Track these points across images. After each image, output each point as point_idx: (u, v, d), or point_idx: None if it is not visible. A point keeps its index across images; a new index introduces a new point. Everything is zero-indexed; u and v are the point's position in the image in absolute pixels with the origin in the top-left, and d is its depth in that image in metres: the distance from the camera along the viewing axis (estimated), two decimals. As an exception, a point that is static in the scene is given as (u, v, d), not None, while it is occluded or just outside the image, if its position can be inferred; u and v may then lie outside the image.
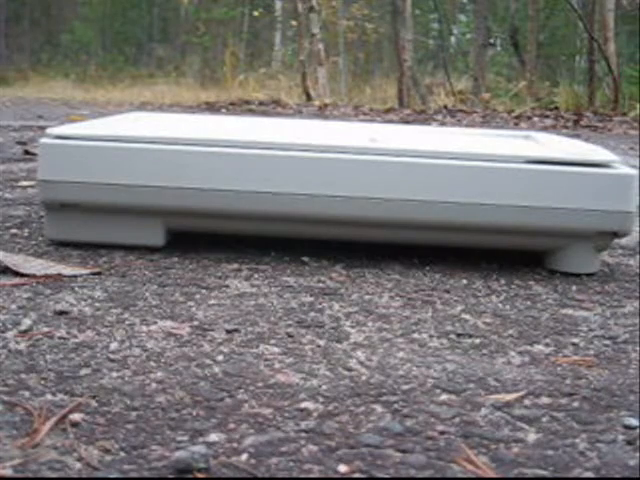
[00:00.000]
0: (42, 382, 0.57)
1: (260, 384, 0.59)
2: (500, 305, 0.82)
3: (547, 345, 0.70)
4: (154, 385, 0.58)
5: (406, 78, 5.20)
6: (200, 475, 0.45)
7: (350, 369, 0.62)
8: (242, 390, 0.57)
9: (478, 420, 0.54)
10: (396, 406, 0.56)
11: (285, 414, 0.54)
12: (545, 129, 3.32)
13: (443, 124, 3.60)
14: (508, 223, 0.92)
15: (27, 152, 1.93)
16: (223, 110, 4.38)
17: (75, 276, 0.85)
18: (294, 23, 6.89)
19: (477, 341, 0.70)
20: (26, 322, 0.70)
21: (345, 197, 0.92)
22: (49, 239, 0.98)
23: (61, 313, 0.73)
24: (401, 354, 0.66)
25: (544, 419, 0.54)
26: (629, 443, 0.51)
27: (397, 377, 0.61)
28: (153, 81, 8.85)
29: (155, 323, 0.72)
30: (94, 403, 0.54)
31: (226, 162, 0.93)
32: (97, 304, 0.76)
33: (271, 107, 4.58)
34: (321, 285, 0.86)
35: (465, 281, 0.90)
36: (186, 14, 12.38)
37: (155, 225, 0.96)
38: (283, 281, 0.87)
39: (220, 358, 0.64)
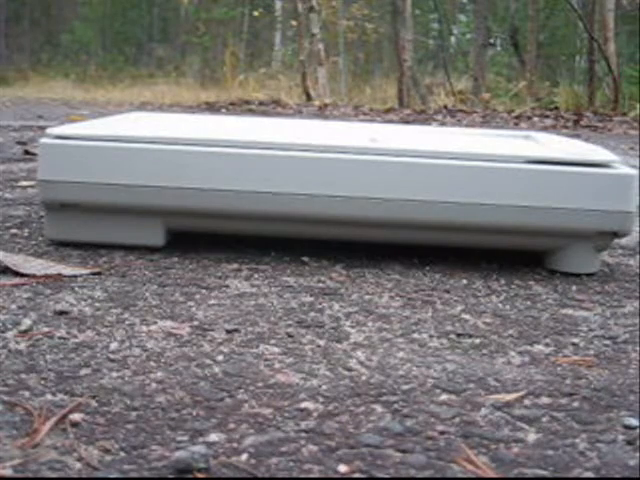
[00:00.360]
0: (42, 382, 0.57)
1: (260, 384, 0.59)
2: (500, 305, 0.82)
3: (547, 345, 0.70)
4: (154, 385, 0.58)
5: (406, 78, 5.20)
6: (200, 475, 0.45)
7: (350, 369, 0.62)
8: (242, 390, 0.57)
9: (478, 420, 0.54)
10: (396, 406, 0.56)
11: (285, 414, 0.54)
12: (545, 129, 3.32)
13: (443, 124, 3.60)
14: (508, 223, 0.92)
15: (27, 152, 1.93)
16: (223, 110, 4.38)
17: (75, 276, 0.85)
18: (294, 23, 6.90)
19: (477, 341, 0.70)
20: (26, 322, 0.69)
21: (345, 197, 0.92)
22: (49, 239, 0.98)
23: (61, 313, 0.73)
24: (401, 354, 0.66)
25: (544, 419, 0.54)
26: (629, 443, 0.51)
27: (397, 377, 0.61)
28: (153, 81, 8.85)
29: (155, 323, 0.72)
30: (94, 403, 0.54)
31: (226, 162, 0.93)
32: (97, 304, 0.76)
33: (271, 107, 4.59)
34: (321, 285, 0.86)
35: (465, 281, 0.90)
36: (186, 14, 12.38)
37: (155, 225, 0.96)
38: (283, 281, 0.87)
39: (220, 358, 0.64)
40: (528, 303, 0.83)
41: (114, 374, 0.59)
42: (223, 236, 1.01)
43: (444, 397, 0.58)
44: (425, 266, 0.95)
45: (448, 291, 0.86)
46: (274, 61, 10.05)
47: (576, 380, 0.62)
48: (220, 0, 11.64)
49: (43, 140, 0.95)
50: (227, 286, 0.84)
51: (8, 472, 0.44)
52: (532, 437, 0.52)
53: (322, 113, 4.23)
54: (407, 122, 3.70)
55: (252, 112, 4.22)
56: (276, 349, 0.66)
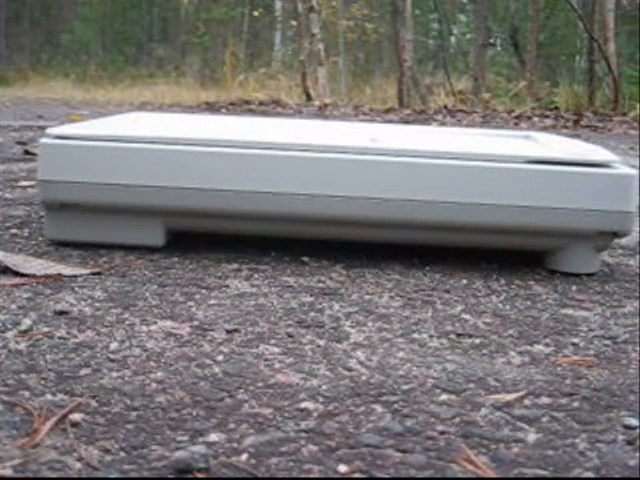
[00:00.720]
0: (42, 382, 0.57)
1: (260, 384, 0.59)
2: (500, 305, 0.82)
3: (547, 345, 0.70)
4: (154, 385, 0.58)
5: (406, 78, 5.20)
6: (200, 475, 0.45)
7: (350, 369, 0.62)
8: (242, 390, 0.57)
9: (478, 420, 0.54)
10: (396, 406, 0.56)
11: (285, 414, 0.54)
12: (545, 129, 3.32)
13: (443, 124, 3.60)
14: (508, 223, 0.92)
15: (27, 152, 1.93)
16: (223, 110, 4.38)
17: (75, 276, 0.85)
18: (294, 23, 6.89)
19: (477, 341, 0.70)
20: (26, 322, 0.69)
21: (345, 197, 0.92)
22: (49, 239, 0.98)
23: (61, 313, 0.73)
24: (401, 354, 0.66)
25: (544, 419, 0.54)
26: (629, 443, 0.51)
27: (397, 377, 0.61)
28: (153, 81, 8.85)
29: (155, 323, 0.72)
30: (94, 403, 0.54)
31: (226, 162, 0.93)
32: (97, 304, 0.76)
33: (271, 107, 4.58)
34: (321, 285, 0.86)
35: (465, 281, 0.90)
36: (186, 14, 12.38)
37: (155, 225, 0.96)
38: (283, 281, 0.87)
39: (220, 358, 0.64)
40: (528, 303, 0.83)
41: (114, 374, 0.59)
42: (223, 236, 1.01)
43: (444, 397, 0.58)
44: (425, 266, 0.95)
45: (448, 291, 0.86)
46: (274, 61, 10.05)
47: (576, 380, 0.62)
48: (220, 0, 11.64)
49: (43, 140, 0.95)
50: (227, 286, 0.84)
51: (8, 472, 0.44)
52: (532, 437, 0.52)
53: (322, 113, 4.23)
54: (407, 122, 3.70)
55: (252, 112, 4.22)
56: (276, 349, 0.66)
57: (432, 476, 0.46)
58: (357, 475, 0.46)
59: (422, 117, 4.00)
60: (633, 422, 0.54)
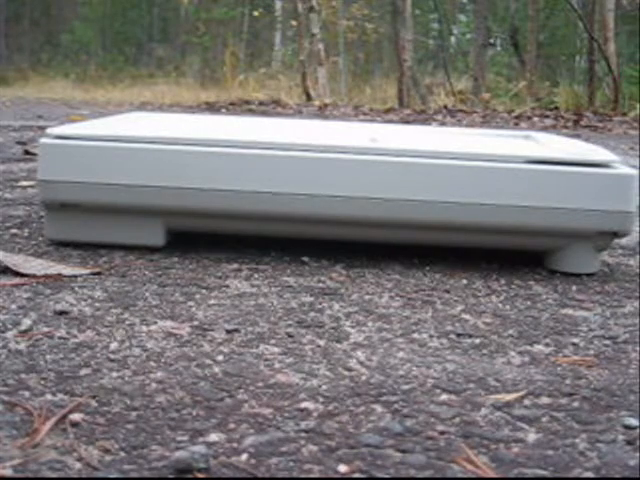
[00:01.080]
0: (42, 382, 0.57)
1: (260, 384, 0.59)
2: (500, 305, 0.82)
3: (547, 345, 0.70)
4: (154, 385, 0.58)
5: (406, 78, 5.20)
6: (200, 475, 0.45)
7: (350, 369, 0.62)
8: (242, 390, 0.57)
9: (478, 420, 0.54)
10: (396, 406, 0.56)
11: (285, 414, 0.54)
12: (545, 129, 3.32)
13: (443, 124, 3.60)
14: (508, 223, 0.92)
15: (27, 152, 1.93)
16: (223, 110, 4.38)
17: (75, 276, 0.85)
18: (294, 23, 6.89)
19: (477, 341, 0.70)
20: (26, 322, 0.70)
21: (345, 197, 0.92)
22: (49, 239, 0.98)
23: (61, 313, 0.73)
24: (401, 354, 0.66)
25: (544, 419, 0.54)
26: (629, 443, 0.51)
27: (397, 377, 0.61)
28: (153, 81, 8.85)
29: (155, 323, 0.72)
30: (94, 403, 0.54)
31: (226, 162, 0.93)
32: (97, 304, 0.76)
33: (271, 107, 4.58)
34: (321, 285, 0.86)
35: (465, 281, 0.90)
36: (186, 14, 12.38)
37: (155, 225, 0.96)
38: (283, 281, 0.87)
39: (220, 358, 0.64)
40: (528, 303, 0.83)
41: (114, 374, 0.59)
42: (223, 236, 1.01)
43: (444, 397, 0.58)
44: (425, 266, 0.95)
45: (448, 291, 0.86)
46: (274, 61, 10.05)
47: (576, 380, 0.62)
48: (220, 0, 11.64)
49: (43, 140, 0.95)
50: (227, 286, 0.84)
51: (8, 472, 0.44)
52: (532, 437, 0.52)
53: (322, 113, 4.23)
54: (407, 122, 3.70)
55: (252, 112, 4.22)
56: (276, 349, 0.66)
57: (432, 476, 0.46)
58: (357, 475, 0.46)
59: (422, 117, 4.00)
60: (633, 422, 0.54)
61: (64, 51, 12.99)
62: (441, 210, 0.92)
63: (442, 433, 0.52)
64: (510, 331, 0.74)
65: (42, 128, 2.58)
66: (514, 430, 0.53)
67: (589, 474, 0.47)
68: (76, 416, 0.52)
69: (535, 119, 3.93)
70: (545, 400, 0.58)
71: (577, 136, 2.79)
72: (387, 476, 0.46)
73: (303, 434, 0.51)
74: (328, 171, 0.92)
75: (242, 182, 0.92)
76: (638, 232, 1.19)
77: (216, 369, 0.61)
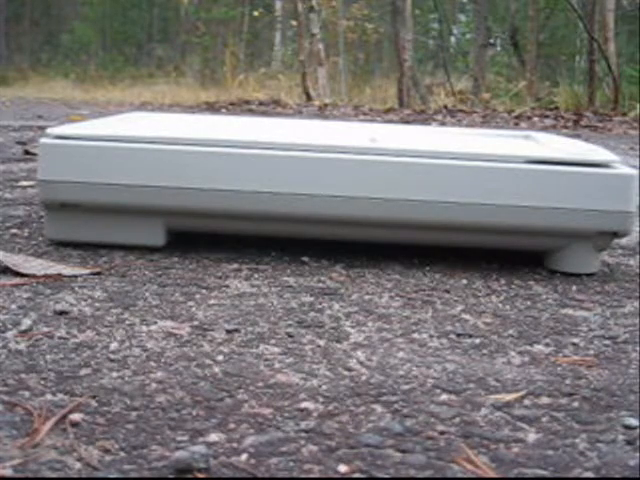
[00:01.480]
0: (42, 382, 0.57)
1: (260, 384, 0.59)
2: (500, 305, 0.82)
3: (547, 345, 0.70)
4: (154, 385, 0.58)
5: (406, 78, 5.20)
6: (200, 475, 0.45)
7: (350, 369, 0.62)
8: (242, 390, 0.57)
9: (478, 420, 0.54)
10: (396, 406, 0.56)
11: (285, 414, 0.54)
12: (545, 129, 3.32)
13: (443, 124, 3.60)
14: (508, 223, 0.92)
15: (27, 152, 1.93)
16: (223, 110, 4.38)
17: (75, 276, 0.85)
18: (294, 23, 6.89)
19: (477, 341, 0.70)
20: (26, 322, 0.70)
21: (345, 197, 0.92)
22: (49, 239, 0.98)
23: (61, 313, 0.73)
24: (401, 354, 0.66)
25: (544, 419, 0.54)
26: (629, 443, 0.51)
27: (397, 377, 0.61)
28: (153, 81, 8.84)
29: (155, 323, 0.72)
30: (94, 403, 0.54)
31: (226, 162, 0.93)
32: (97, 304, 0.76)
33: (271, 107, 4.58)
34: (321, 285, 0.86)
35: (465, 281, 0.90)
36: (186, 14, 12.38)
37: (155, 225, 0.96)
38: (283, 281, 0.87)
39: (220, 358, 0.64)
40: (528, 303, 0.83)
41: (114, 374, 0.59)
42: (223, 236, 1.01)
43: (444, 397, 0.58)
44: (425, 266, 0.95)
45: (448, 291, 0.86)
46: (274, 61, 10.05)
47: (576, 380, 0.62)
48: (220, 0, 11.64)
49: (43, 140, 0.95)
50: (227, 286, 0.84)
51: (8, 472, 0.44)
52: (532, 437, 0.52)
53: (322, 113, 4.23)
54: (407, 122, 3.70)
55: (252, 112, 4.22)
56: (276, 349, 0.66)
57: (432, 476, 0.46)
58: (357, 475, 0.46)
59: (422, 117, 4.00)
60: (633, 422, 0.54)
61: (64, 51, 12.99)
62: (441, 210, 0.92)
63: (442, 433, 0.52)
64: (510, 331, 0.74)
65: (42, 128, 2.58)
66: (514, 430, 0.53)
67: (589, 474, 0.47)
68: (76, 416, 0.52)
69: (535, 119, 3.93)
70: (545, 400, 0.58)
71: (577, 136, 2.79)
72: (387, 476, 0.46)
73: (303, 434, 0.51)
74: (328, 171, 0.92)
75: (242, 182, 0.92)
76: (638, 232, 1.19)
77: (216, 369, 0.61)
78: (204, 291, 0.82)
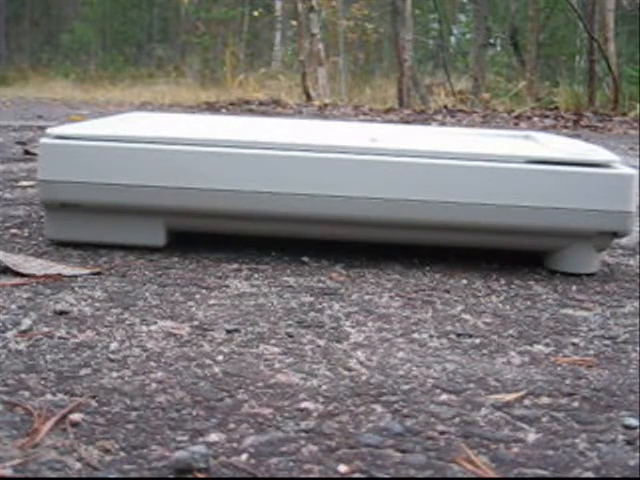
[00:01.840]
0: (42, 382, 0.57)
1: (260, 384, 0.59)
2: (500, 305, 0.82)
3: (547, 345, 0.70)
4: (154, 385, 0.58)
5: (406, 78, 5.20)
6: (200, 475, 0.45)
7: (350, 369, 0.62)
8: (242, 390, 0.57)
9: (478, 420, 0.54)
10: (396, 406, 0.56)
11: (285, 414, 0.54)
12: (545, 129, 3.32)
13: (443, 124, 3.60)
14: (508, 223, 0.92)
15: (27, 152, 1.93)
16: (223, 110, 4.38)
17: (75, 276, 0.85)
18: (294, 23, 6.89)
19: (477, 341, 0.70)
20: (26, 322, 0.70)
21: (345, 197, 0.92)
22: (49, 239, 0.98)
23: (61, 313, 0.73)
24: (401, 354, 0.66)
25: (544, 419, 0.54)
26: (629, 443, 0.51)
27: (397, 377, 0.61)
28: (153, 81, 8.84)
29: (155, 323, 0.72)
30: (94, 403, 0.54)
31: (226, 162, 0.93)
32: (97, 304, 0.76)
33: (271, 107, 4.58)
34: (321, 285, 0.86)
35: (465, 281, 0.90)
36: (186, 14, 12.37)
37: (155, 225, 0.96)
38: (283, 281, 0.87)
39: (220, 358, 0.64)
40: (528, 303, 0.83)
41: (114, 374, 0.59)
42: (223, 236, 1.01)
43: (444, 397, 0.58)
44: (425, 266, 0.95)
45: (448, 291, 0.86)
46: (274, 61, 10.04)
47: (576, 380, 0.62)
48: (220, 0, 11.64)
49: (43, 140, 0.95)
50: (227, 286, 0.84)
51: (8, 472, 0.44)
52: (532, 437, 0.52)
53: (322, 113, 4.23)
54: (407, 122, 3.70)
55: (252, 112, 4.22)
56: (276, 349, 0.66)
57: (432, 476, 0.46)
58: (357, 475, 0.46)
59: (422, 117, 4.00)
60: (633, 422, 0.54)
61: (64, 51, 12.99)
62: (441, 210, 0.92)
63: (442, 433, 0.52)
64: (510, 331, 0.74)
65: (42, 128, 2.58)
66: (514, 430, 0.53)
67: (589, 474, 0.47)
68: (76, 416, 0.52)
69: (535, 119, 3.93)
70: (545, 400, 0.58)
71: (577, 136, 2.79)
72: (387, 476, 0.46)
73: (303, 434, 0.51)
74: (328, 171, 0.92)
75: (242, 182, 0.92)
76: (638, 232, 1.19)
77: (216, 369, 0.61)
78: (204, 291, 0.82)
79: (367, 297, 0.82)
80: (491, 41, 8.35)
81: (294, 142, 0.94)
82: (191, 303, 0.78)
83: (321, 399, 0.56)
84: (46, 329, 0.69)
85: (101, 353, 0.64)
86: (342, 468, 0.47)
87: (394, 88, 5.62)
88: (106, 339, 0.67)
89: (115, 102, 5.08)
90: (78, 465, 0.46)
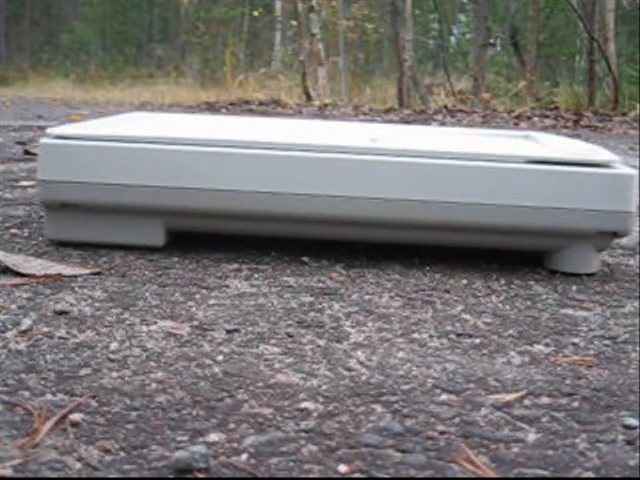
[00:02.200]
0: (42, 382, 0.57)
1: (260, 384, 0.59)
2: (500, 305, 0.82)
3: (547, 345, 0.70)
4: (154, 385, 0.58)
5: (406, 78, 5.20)
6: (200, 475, 0.45)
7: (350, 369, 0.62)
8: (242, 390, 0.57)
9: (478, 420, 0.54)
10: (396, 406, 0.56)
11: (285, 414, 0.54)
12: (545, 129, 3.32)
13: (443, 124, 3.60)
14: (508, 223, 0.92)
15: (27, 152, 1.93)
16: (223, 110, 4.38)
17: (75, 276, 0.85)
18: (294, 23, 6.89)
19: (477, 341, 0.70)
20: (26, 322, 0.70)
21: (345, 197, 0.92)
22: (49, 239, 0.98)
23: (61, 313, 0.73)
24: (401, 354, 0.66)
25: (544, 419, 0.54)
26: (629, 443, 0.51)
27: (397, 377, 0.61)
28: (153, 81, 8.84)
29: (155, 323, 0.72)
30: (94, 403, 0.54)
31: (226, 162, 0.93)
32: (97, 304, 0.76)
33: (271, 107, 4.58)
34: (321, 285, 0.86)
35: (465, 281, 0.90)
36: (186, 14, 12.38)
37: (155, 225, 0.96)
38: (283, 281, 0.87)
39: (220, 358, 0.64)
40: (528, 303, 0.83)
41: (114, 374, 0.59)
42: (223, 236, 1.01)
43: (444, 397, 0.58)
44: (425, 266, 0.95)
45: (448, 291, 0.86)
46: (274, 61, 10.04)
47: (576, 380, 0.62)
48: (220, 0, 11.64)
49: (43, 140, 0.95)
50: (227, 286, 0.84)
51: (8, 472, 0.44)
52: (532, 437, 0.52)
53: (322, 113, 4.23)
54: (407, 122, 3.70)
55: (252, 112, 4.22)
56: (276, 349, 0.66)
57: (432, 476, 0.46)
58: (357, 475, 0.46)
59: (422, 117, 4.00)
60: (633, 422, 0.54)
61: (64, 51, 12.99)
62: (441, 210, 0.92)
63: (442, 433, 0.52)
64: (510, 331, 0.74)
65: (42, 128, 2.58)
66: (514, 430, 0.53)
67: (589, 474, 0.47)
68: (76, 416, 0.52)
69: (535, 119, 3.93)
70: (545, 400, 0.58)
71: (577, 136, 2.79)
72: (387, 476, 0.46)
73: (303, 434, 0.51)
74: (328, 171, 0.92)
75: (242, 182, 0.92)
76: (638, 232, 1.19)
77: (216, 369, 0.61)
78: (204, 291, 0.82)
79: (367, 297, 0.82)
80: (491, 41, 8.35)
81: (294, 142, 0.94)
82: (191, 303, 0.78)
83: (321, 399, 0.56)
84: (46, 329, 0.69)
85: (101, 353, 0.64)
86: (342, 468, 0.47)
87: (394, 88, 5.62)
88: (106, 339, 0.67)
89: (115, 102, 5.08)
90: (78, 465, 0.46)
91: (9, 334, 0.67)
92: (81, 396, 0.55)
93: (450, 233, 0.94)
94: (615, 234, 0.93)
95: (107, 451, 0.47)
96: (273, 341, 0.68)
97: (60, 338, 0.67)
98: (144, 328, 0.70)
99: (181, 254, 0.96)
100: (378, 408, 0.55)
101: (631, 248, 1.11)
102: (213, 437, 0.50)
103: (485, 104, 4.81)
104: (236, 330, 0.70)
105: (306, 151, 0.93)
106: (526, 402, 0.57)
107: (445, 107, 4.55)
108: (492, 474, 0.47)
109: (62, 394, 0.55)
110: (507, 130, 1.68)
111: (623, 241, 1.14)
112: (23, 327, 0.68)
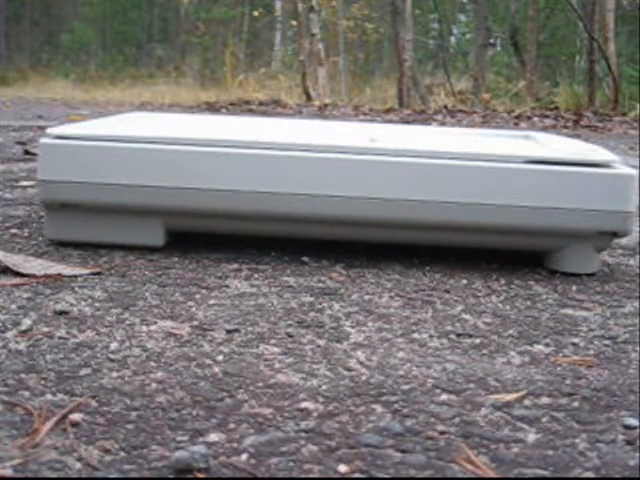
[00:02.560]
0: (42, 382, 0.57)
1: (260, 384, 0.59)
2: (500, 305, 0.82)
3: (547, 345, 0.70)
4: (154, 385, 0.58)
5: (406, 78, 5.20)
6: (200, 475, 0.45)
7: (350, 369, 0.62)
8: (242, 390, 0.57)
9: (478, 420, 0.54)
10: (396, 406, 0.56)
11: (285, 414, 0.54)
12: (545, 129, 3.32)
13: (443, 124, 3.60)
14: (508, 223, 0.92)
15: (27, 152, 1.93)
16: (223, 110, 4.38)
17: (75, 276, 0.85)
18: (294, 23, 6.89)
19: (477, 341, 0.70)
20: (26, 322, 0.70)
21: (345, 197, 0.92)
22: (49, 239, 0.98)
23: (61, 313, 0.73)
24: (401, 354, 0.66)
25: (544, 419, 0.54)
26: (629, 443, 0.51)
27: (397, 377, 0.61)
28: (153, 81, 8.84)
29: (155, 323, 0.72)
30: (94, 403, 0.54)
31: (226, 162, 0.93)
32: (97, 304, 0.76)
33: (271, 107, 4.58)
34: (321, 285, 0.86)
35: (465, 281, 0.90)
36: (186, 14, 12.38)
37: (155, 225, 0.96)
38: (283, 281, 0.87)
39: (220, 358, 0.64)
40: (528, 303, 0.83)
41: (114, 374, 0.59)
42: (223, 236, 1.01)
43: (444, 397, 0.58)
44: (425, 266, 0.95)
45: (448, 291, 0.86)
46: (274, 61, 10.04)
47: (576, 380, 0.62)
48: (220, 0, 11.64)
49: (43, 140, 0.95)
50: (227, 286, 0.84)
51: (8, 472, 0.44)
52: (532, 437, 0.52)
53: (322, 113, 4.23)
54: (407, 122, 3.70)
55: (252, 112, 4.22)
56: (276, 349, 0.66)
57: (432, 476, 0.46)
58: (357, 475, 0.46)
59: (422, 117, 4.00)
60: (633, 422, 0.54)
61: (64, 51, 12.99)
62: (441, 210, 0.92)
63: (442, 433, 0.52)
64: (510, 331, 0.74)
65: (42, 128, 2.58)
66: (514, 430, 0.53)
67: (589, 474, 0.47)
68: (76, 416, 0.52)
69: (535, 119, 3.93)
70: (545, 400, 0.58)
71: (577, 136, 2.79)
72: (387, 476, 0.46)
73: (303, 434, 0.51)
74: (328, 171, 0.92)
75: (242, 182, 0.92)
76: (638, 232, 1.19)
77: (216, 369, 0.61)
78: (204, 291, 0.82)
79: (367, 297, 0.82)
80: (491, 41, 8.35)
81: (294, 142, 0.94)
82: (191, 303, 0.78)
83: (321, 399, 0.56)
84: (46, 329, 0.69)
85: (101, 353, 0.64)
86: (342, 468, 0.47)
87: (394, 88, 5.62)
88: (106, 339, 0.67)
89: (115, 102, 5.08)
90: (78, 465, 0.46)
91: (9, 334, 0.67)
92: (81, 396, 0.55)
93: (450, 233, 0.94)
94: (615, 234, 0.93)
95: (107, 451, 0.47)
96: (273, 341, 0.68)
97: (60, 338, 0.67)
98: (144, 328, 0.70)
99: (181, 254, 0.96)
100: (378, 408, 0.55)
101: (631, 248, 1.11)
102: (213, 437, 0.50)
103: (485, 104, 4.81)
104: (236, 330, 0.70)
105: (306, 151, 0.93)
106: (526, 402, 0.57)
107: (445, 107, 4.55)
108: (492, 474, 0.47)
109: (62, 394, 0.55)
110: (507, 130, 1.68)
111: (623, 241, 1.14)
112: (23, 327, 0.68)
